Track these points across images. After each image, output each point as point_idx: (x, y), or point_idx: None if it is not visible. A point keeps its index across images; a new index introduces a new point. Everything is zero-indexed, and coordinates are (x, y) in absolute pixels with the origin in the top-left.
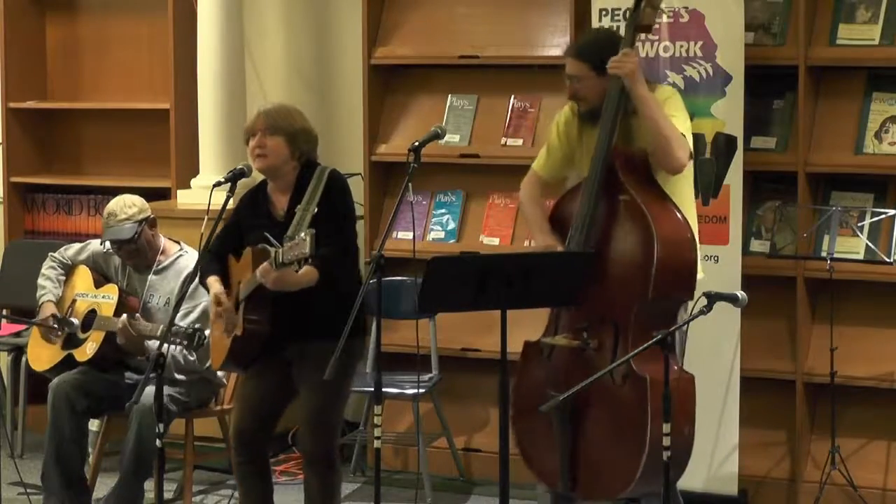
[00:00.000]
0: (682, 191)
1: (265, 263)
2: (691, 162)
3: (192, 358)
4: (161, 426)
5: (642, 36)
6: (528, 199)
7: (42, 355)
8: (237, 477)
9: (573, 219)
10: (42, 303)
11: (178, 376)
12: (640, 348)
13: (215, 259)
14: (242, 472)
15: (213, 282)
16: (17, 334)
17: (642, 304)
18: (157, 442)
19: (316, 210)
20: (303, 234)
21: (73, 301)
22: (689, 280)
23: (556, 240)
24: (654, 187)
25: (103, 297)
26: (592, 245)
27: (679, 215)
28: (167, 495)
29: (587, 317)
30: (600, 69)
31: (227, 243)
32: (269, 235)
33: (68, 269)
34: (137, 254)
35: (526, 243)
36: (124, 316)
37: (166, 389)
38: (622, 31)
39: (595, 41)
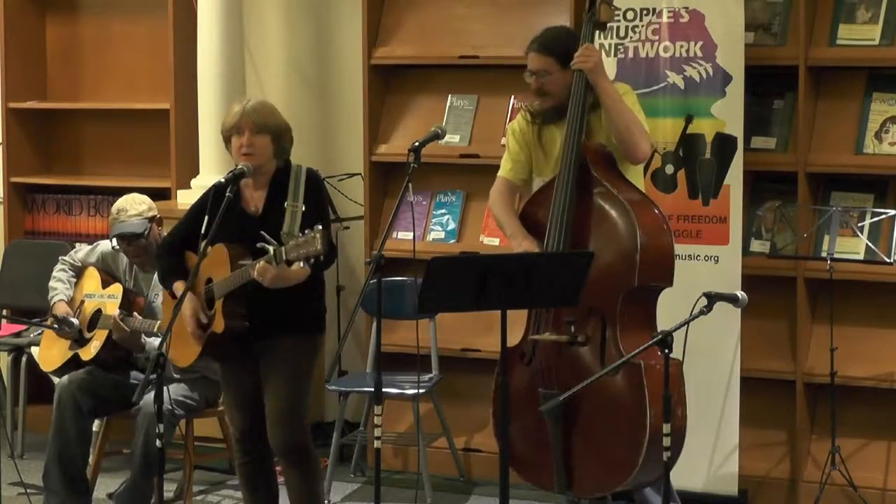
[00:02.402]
0: (637, 183)
1: (262, 262)
2: None
3: None
4: (161, 426)
5: (598, 34)
6: (500, 206)
7: (51, 356)
8: (243, 478)
9: (549, 218)
10: (54, 303)
11: (175, 374)
12: (641, 348)
13: (176, 257)
14: (249, 471)
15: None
16: (17, 334)
17: (627, 293)
18: (158, 442)
19: (304, 208)
20: (311, 232)
21: (82, 302)
22: (669, 266)
23: (535, 243)
24: (623, 179)
25: (109, 296)
26: (572, 242)
27: (653, 204)
28: (167, 495)
29: (573, 311)
30: (565, 63)
31: (188, 238)
32: (265, 234)
33: (79, 271)
34: (146, 251)
35: None
36: (116, 312)
37: (172, 394)
38: (633, 32)
39: (557, 36)
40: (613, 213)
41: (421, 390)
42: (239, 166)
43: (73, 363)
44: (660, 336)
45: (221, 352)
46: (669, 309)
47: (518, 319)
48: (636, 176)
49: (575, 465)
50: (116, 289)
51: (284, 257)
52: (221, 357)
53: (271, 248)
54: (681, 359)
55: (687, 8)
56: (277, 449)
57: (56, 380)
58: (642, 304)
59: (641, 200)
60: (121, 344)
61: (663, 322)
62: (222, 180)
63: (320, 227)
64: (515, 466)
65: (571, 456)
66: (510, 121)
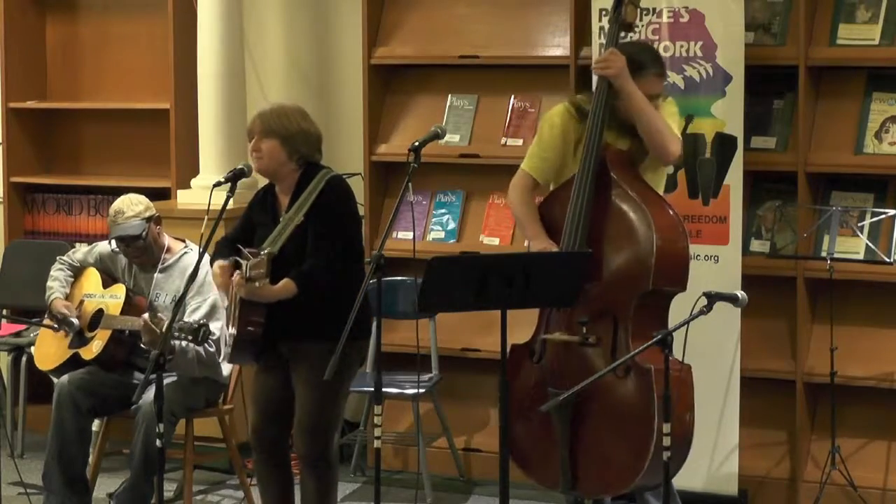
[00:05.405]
0: (657, 188)
1: (237, 275)
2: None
3: (212, 350)
4: (161, 426)
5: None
6: (523, 205)
7: (49, 355)
8: (256, 474)
9: (566, 218)
10: (51, 300)
11: (200, 371)
12: (641, 348)
13: (228, 250)
14: (263, 470)
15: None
16: (17, 334)
17: (642, 296)
18: (158, 442)
19: (302, 219)
20: (263, 254)
21: (81, 302)
22: (684, 271)
23: (552, 243)
24: (642, 182)
25: (111, 296)
26: (588, 243)
27: (670, 208)
28: (167, 495)
29: (586, 312)
30: None
31: (241, 236)
32: (241, 247)
33: (76, 271)
34: (145, 252)
35: (526, 244)
36: (146, 315)
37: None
38: (633, 31)
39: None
40: (630, 215)
41: (421, 390)
42: (239, 166)
43: (72, 362)
44: (659, 336)
45: (251, 354)
46: (669, 308)
47: (518, 319)
48: (657, 181)
49: (580, 466)
50: (119, 289)
51: (248, 275)
52: (256, 358)
53: (244, 264)
54: (681, 359)
55: (687, 8)
56: (299, 453)
57: (55, 379)
58: (655, 308)
59: (659, 204)
60: (149, 347)
61: None
62: (222, 179)
63: (267, 250)
64: (520, 464)
65: (578, 456)
66: (510, 120)
